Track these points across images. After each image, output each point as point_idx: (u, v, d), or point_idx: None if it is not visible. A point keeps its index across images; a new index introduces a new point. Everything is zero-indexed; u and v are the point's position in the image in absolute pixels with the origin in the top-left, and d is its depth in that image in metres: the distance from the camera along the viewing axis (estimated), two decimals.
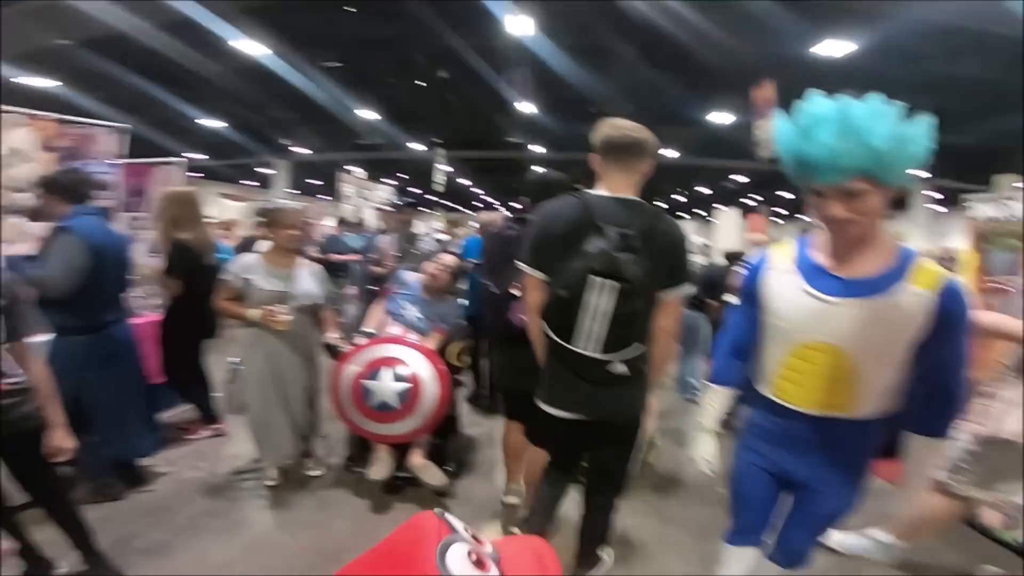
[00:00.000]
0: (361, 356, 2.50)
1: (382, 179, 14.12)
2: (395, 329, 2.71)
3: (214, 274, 2.65)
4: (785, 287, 1.27)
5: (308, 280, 2.59)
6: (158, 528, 2.30)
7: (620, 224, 1.49)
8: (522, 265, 1.65)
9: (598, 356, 1.50)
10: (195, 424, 3.23)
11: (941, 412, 1.27)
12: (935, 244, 12.43)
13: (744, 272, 1.47)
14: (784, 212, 19.56)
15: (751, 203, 18.14)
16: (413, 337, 2.67)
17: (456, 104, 10.24)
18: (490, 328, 2.38)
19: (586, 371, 1.53)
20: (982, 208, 3.57)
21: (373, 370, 2.44)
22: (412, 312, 2.74)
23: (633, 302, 1.46)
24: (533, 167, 18.11)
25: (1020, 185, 3.25)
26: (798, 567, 1.52)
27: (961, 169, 10.78)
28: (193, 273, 2.91)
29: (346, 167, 9.12)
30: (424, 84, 9.05)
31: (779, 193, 17.49)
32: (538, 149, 13.98)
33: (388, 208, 4.45)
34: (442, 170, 11.47)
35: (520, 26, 6.28)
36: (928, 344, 1.18)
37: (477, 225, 4.49)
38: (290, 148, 14.91)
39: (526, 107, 10.85)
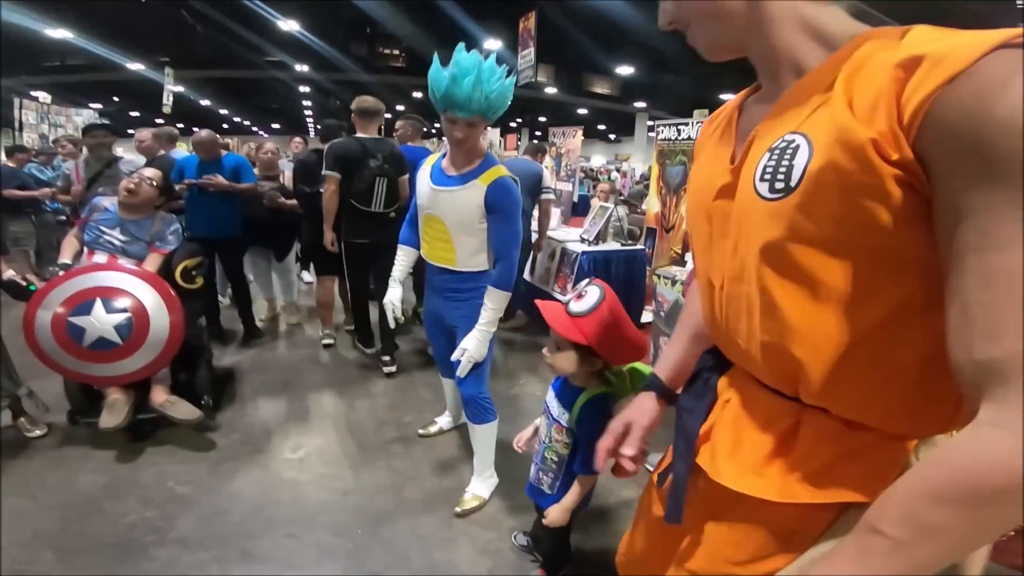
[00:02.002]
0: (60, 291, 2.16)
1: (90, 104, 11.71)
2: (100, 257, 2.38)
3: None
4: (423, 180, 1.93)
5: None
6: None
7: (379, 151, 3.00)
8: (328, 171, 2.97)
9: (382, 211, 3.04)
10: None
11: (500, 271, 1.81)
12: (648, 163, 15.39)
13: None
14: (538, 133, 23.71)
15: (512, 125, 22.18)
16: (125, 262, 2.38)
17: (191, 21, 8.76)
18: (306, 215, 3.55)
19: (377, 219, 3.06)
20: (664, 131, 4.61)
21: (79, 304, 2.16)
22: (114, 236, 2.43)
23: (394, 184, 3.05)
24: (301, 88, 16.57)
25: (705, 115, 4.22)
26: (479, 419, 2.01)
27: (676, 104, 13.48)
28: None
29: (32, 92, 7.15)
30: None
31: (540, 118, 21.21)
32: (302, 69, 12.83)
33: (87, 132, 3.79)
34: (171, 91, 9.85)
35: None
36: (489, 221, 1.81)
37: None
38: None
39: (288, 25, 9.77)
